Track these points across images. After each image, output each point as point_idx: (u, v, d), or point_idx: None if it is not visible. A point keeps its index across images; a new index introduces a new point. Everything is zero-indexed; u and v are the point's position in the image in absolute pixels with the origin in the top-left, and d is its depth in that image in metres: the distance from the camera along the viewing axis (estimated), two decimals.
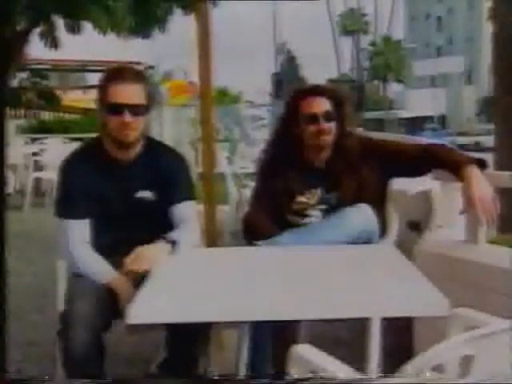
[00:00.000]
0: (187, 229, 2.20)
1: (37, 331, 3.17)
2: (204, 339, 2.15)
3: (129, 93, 2.11)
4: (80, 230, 2.17)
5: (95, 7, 9.88)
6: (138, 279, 1.89)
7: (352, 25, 49.47)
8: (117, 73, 2.16)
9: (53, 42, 11.01)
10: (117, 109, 2.11)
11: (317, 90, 2.54)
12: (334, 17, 50.69)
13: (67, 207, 2.20)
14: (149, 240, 2.08)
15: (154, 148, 2.30)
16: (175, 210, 2.23)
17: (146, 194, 2.24)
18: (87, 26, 10.50)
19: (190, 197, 2.29)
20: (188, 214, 2.24)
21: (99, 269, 2.13)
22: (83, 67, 19.74)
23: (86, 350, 1.91)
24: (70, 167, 2.24)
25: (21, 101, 14.73)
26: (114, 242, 2.17)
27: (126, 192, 2.22)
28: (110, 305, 2.02)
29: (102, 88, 2.15)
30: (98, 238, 2.20)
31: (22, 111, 15.77)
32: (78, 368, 1.91)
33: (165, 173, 2.24)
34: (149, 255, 2.02)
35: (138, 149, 2.24)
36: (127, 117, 2.10)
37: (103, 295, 2.04)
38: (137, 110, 2.12)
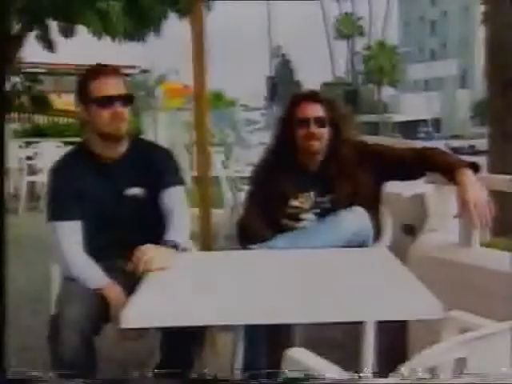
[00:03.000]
0: (178, 217, 2.18)
1: (31, 336, 3.16)
2: (198, 343, 2.15)
3: (114, 85, 2.17)
4: (72, 232, 2.16)
5: (89, 11, 9.86)
6: (131, 283, 1.88)
7: (347, 28, 49.54)
8: (97, 70, 2.21)
9: (49, 44, 10.99)
10: (107, 101, 2.14)
11: (313, 96, 2.57)
12: (329, 20, 50.76)
13: (58, 209, 2.19)
14: (142, 241, 2.06)
15: (140, 144, 2.34)
16: (164, 196, 2.22)
17: (136, 191, 2.25)
18: (82, 29, 10.49)
19: (178, 182, 2.29)
20: (177, 199, 2.24)
21: (91, 274, 2.11)
22: (78, 71, 19.70)
23: (76, 354, 1.90)
24: (59, 170, 2.25)
25: (13, 105, 14.69)
26: (107, 244, 2.17)
27: (116, 190, 2.23)
28: (102, 309, 2.02)
29: (84, 86, 2.18)
30: (91, 239, 2.19)
31: (16, 115, 15.73)
32: (68, 372, 1.90)
33: (152, 165, 2.26)
34: (160, 257, 1.95)
35: (124, 146, 2.27)
36: (119, 107, 2.15)
37: (95, 300, 2.03)
38: (125, 100, 2.19)
